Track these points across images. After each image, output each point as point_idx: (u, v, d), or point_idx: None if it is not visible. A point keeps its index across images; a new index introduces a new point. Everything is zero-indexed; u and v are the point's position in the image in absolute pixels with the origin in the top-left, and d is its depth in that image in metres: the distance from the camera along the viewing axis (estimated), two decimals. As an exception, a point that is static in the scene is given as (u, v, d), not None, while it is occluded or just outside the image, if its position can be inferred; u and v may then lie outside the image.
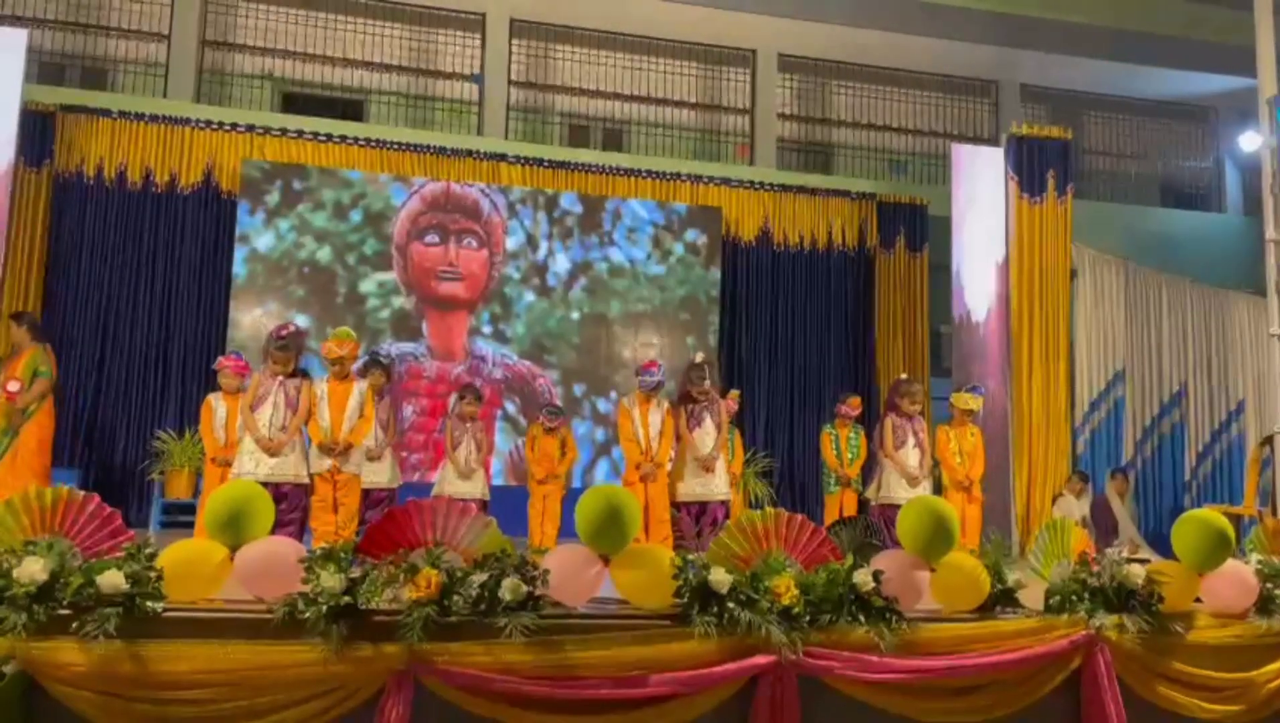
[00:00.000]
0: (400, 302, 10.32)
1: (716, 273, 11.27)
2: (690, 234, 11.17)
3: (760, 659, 3.35)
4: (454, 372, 10.28)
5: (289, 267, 10.12)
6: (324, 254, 10.17)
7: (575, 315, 10.77)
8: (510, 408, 10.35)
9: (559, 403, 10.07)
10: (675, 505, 6.47)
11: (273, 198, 10.15)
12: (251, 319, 9.96)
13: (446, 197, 10.50)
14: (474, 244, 10.50)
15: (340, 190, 10.32)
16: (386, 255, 10.31)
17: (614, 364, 10.72)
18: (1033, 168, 10.48)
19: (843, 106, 13.12)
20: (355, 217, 10.29)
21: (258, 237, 10.10)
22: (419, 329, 10.33)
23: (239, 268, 10.09)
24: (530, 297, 10.70)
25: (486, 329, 10.46)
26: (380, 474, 6.78)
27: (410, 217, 10.37)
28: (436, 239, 10.40)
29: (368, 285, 10.27)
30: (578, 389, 10.58)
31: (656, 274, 11.00)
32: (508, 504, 7.62)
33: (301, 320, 9.95)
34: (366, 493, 6.40)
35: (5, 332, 7.91)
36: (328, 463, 5.84)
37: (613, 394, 10.58)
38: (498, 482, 9.95)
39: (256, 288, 10.10)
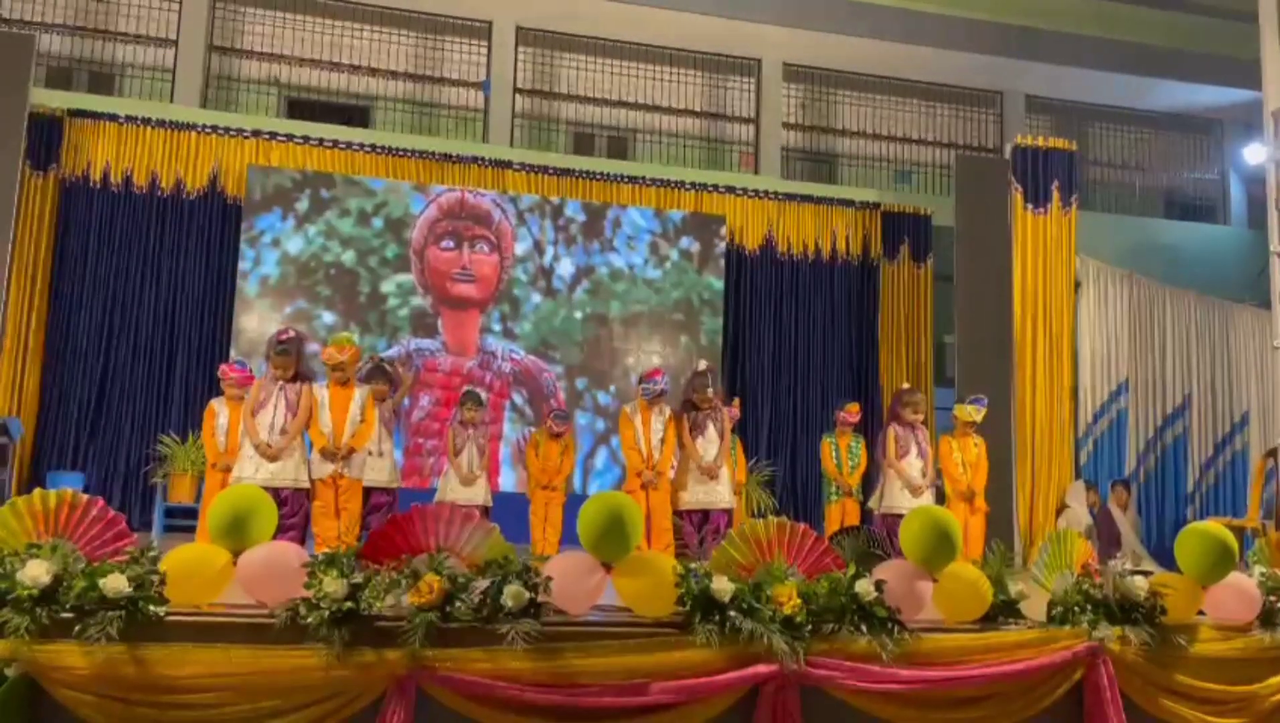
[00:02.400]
0: (418, 301, 10.87)
1: (709, 277, 11.54)
2: (685, 241, 11.56)
3: (762, 668, 3.34)
4: (466, 366, 10.83)
5: (317, 269, 10.64)
6: (348, 257, 10.73)
7: (578, 315, 11.26)
8: (518, 400, 10.92)
9: (563, 397, 10.74)
10: (678, 514, 6.46)
11: (302, 205, 10.60)
12: (280, 319, 10.25)
13: (461, 205, 11.00)
14: (486, 249, 11.02)
15: (364, 199, 10.80)
16: (405, 259, 10.87)
17: (614, 361, 11.26)
18: (1037, 179, 10.50)
19: (847, 116, 13.15)
20: (377, 223, 10.81)
21: (288, 241, 10.56)
22: (435, 327, 10.87)
23: (271, 269, 10.49)
24: (537, 298, 11.17)
25: (497, 327, 11.03)
26: (380, 472, 6.75)
27: (428, 223, 10.90)
28: (451, 244, 10.94)
29: (388, 286, 10.81)
30: (580, 383, 11.15)
31: (653, 278, 11.44)
32: (510, 511, 7.64)
33: (328, 317, 10.46)
34: (367, 493, 6.38)
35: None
36: (329, 468, 5.83)
37: (612, 388, 11.10)
38: (504, 471, 10.48)
39: (287, 288, 10.52)
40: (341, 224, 10.68)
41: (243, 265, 10.39)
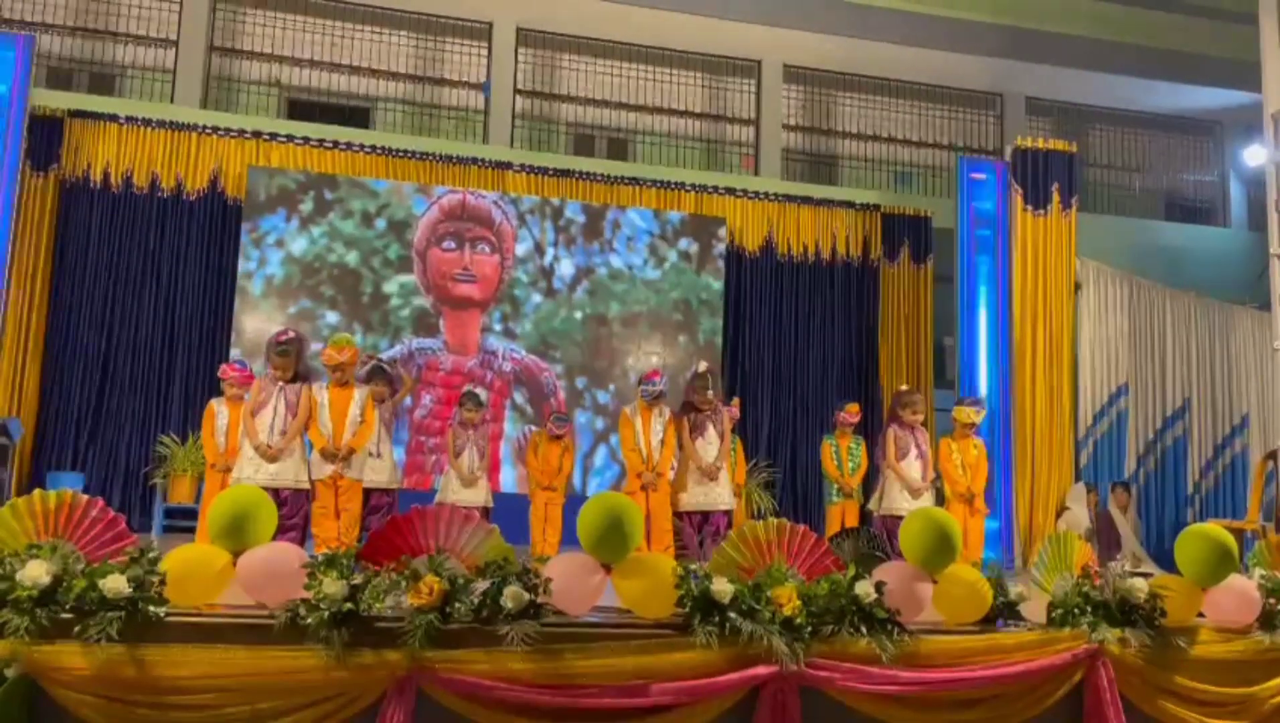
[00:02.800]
0: (420, 301, 10.97)
1: (708, 278, 11.60)
2: (683, 242, 11.64)
3: (762, 670, 3.34)
4: (468, 365, 10.95)
5: (320, 269, 10.74)
6: (352, 258, 10.83)
7: (578, 315, 11.36)
8: (519, 398, 11.06)
9: (563, 396, 10.91)
10: (678, 515, 6.46)
11: (306, 206, 10.68)
12: (284, 318, 10.36)
13: (462, 207, 11.08)
14: (487, 250, 11.12)
15: (366, 200, 10.88)
16: (408, 260, 10.97)
17: (613, 360, 11.36)
18: (1037, 181, 10.51)
19: (847, 117, 13.15)
20: (380, 224, 10.91)
21: (292, 241, 10.65)
22: (437, 326, 10.99)
23: (275, 270, 10.58)
24: (537, 298, 11.27)
25: (498, 327, 11.15)
26: (380, 473, 6.76)
27: (430, 225, 11.00)
28: (453, 245, 11.04)
29: (391, 286, 10.93)
30: (580, 382, 11.27)
31: (652, 278, 11.52)
32: (510, 511, 7.64)
33: (331, 317, 10.56)
34: (367, 494, 6.39)
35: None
36: (329, 469, 5.83)
37: (612, 387, 11.20)
38: (504, 468, 10.60)
39: (291, 288, 10.61)
40: (344, 225, 10.78)
41: (248, 265, 10.45)
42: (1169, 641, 3.83)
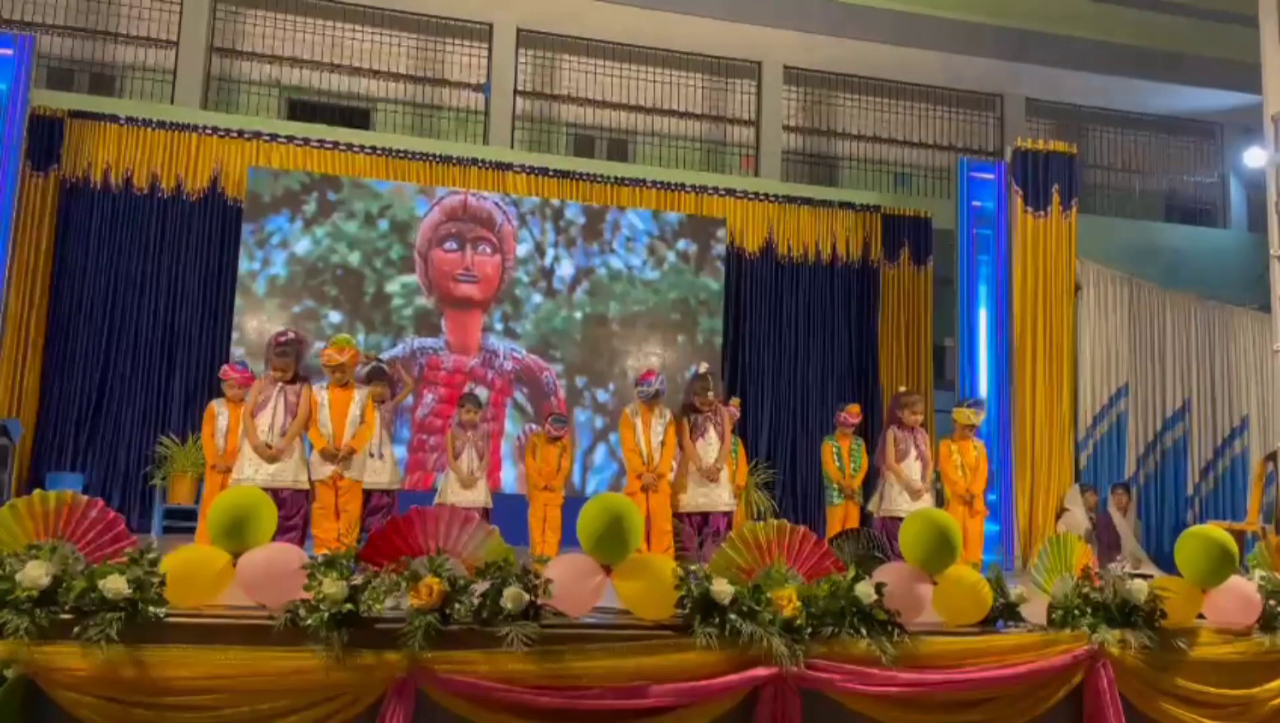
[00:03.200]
0: (422, 301, 11.07)
1: (707, 278, 11.66)
2: (682, 243, 11.72)
3: (762, 671, 3.33)
4: (469, 364, 11.04)
5: (324, 269, 10.82)
6: (354, 258, 10.92)
7: (578, 315, 11.46)
8: (519, 397, 11.15)
9: (563, 394, 11.03)
10: (678, 516, 6.45)
11: (309, 207, 10.76)
12: (288, 318, 10.44)
13: (464, 208, 11.17)
14: (488, 250, 11.21)
15: (369, 201, 10.96)
16: (410, 260, 11.06)
17: (613, 360, 11.46)
18: (1037, 182, 10.52)
19: (848, 119, 13.15)
20: (382, 225, 11.00)
21: (296, 242, 10.73)
22: (438, 326, 11.08)
23: (279, 270, 10.66)
24: (538, 298, 11.36)
25: (499, 327, 11.24)
26: (381, 474, 6.77)
27: (431, 226, 11.09)
28: (455, 246, 11.14)
29: (393, 286, 11.03)
30: (579, 381, 11.37)
31: (651, 279, 11.61)
32: (510, 512, 7.65)
33: (334, 317, 10.64)
34: (367, 495, 6.39)
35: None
36: (329, 470, 5.82)
37: (611, 386, 11.29)
38: (506, 466, 10.68)
39: (294, 288, 10.69)
40: (348, 226, 10.86)
41: (252, 266, 10.51)
42: (1169, 642, 3.83)
